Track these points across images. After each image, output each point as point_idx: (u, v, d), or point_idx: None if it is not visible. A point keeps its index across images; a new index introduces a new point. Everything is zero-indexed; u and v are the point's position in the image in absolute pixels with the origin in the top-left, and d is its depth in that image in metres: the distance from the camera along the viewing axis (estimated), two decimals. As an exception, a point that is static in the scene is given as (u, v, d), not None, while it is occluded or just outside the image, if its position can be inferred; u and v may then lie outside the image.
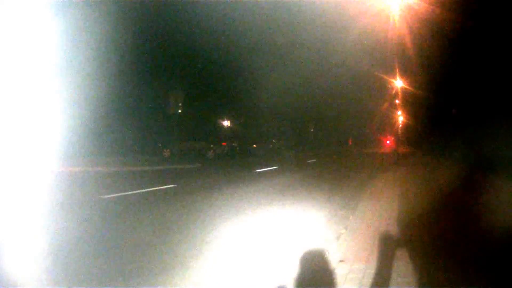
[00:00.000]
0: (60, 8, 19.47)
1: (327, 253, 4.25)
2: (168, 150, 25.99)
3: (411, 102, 30.50)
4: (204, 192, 9.68)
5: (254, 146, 33.26)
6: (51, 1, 17.89)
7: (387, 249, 4.34)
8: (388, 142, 60.99)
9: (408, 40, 16.29)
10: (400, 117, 45.34)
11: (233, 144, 28.93)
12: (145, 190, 9.87)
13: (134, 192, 9.52)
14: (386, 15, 13.97)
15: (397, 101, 38.71)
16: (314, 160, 25.69)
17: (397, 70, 26.63)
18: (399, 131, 48.90)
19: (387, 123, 56.28)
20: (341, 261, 3.96)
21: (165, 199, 8.62)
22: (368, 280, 3.49)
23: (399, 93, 31.70)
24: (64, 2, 20.20)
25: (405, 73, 25.83)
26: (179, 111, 21.53)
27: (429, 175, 13.39)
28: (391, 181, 11.81)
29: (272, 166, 18.50)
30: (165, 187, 10.67)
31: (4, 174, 11.61)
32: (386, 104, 43.34)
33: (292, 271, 3.72)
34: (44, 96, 17.29)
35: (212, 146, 26.59)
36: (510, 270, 3.67)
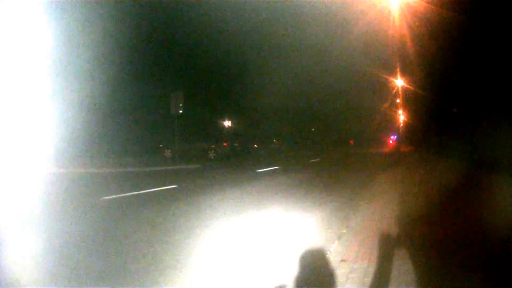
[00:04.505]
0: (61, 8, 19.51)
1: (328, 252, 4.25)
2: (169, 150, 25.97)
3: (412, 101, 30.47)
4: (205, 192, 9.67)
5: (256, 146, 33.25)
6: (51, 0, 17.92)
7: (388, 248, 4.33)
8: (389, 141, 60.90)
9: (408, 39, 16.29)
10: (401, 116, 45.32)
11: (234, 144, 28.89)
12: (146, 191, 9.87)
13: (135, 193, 9.53)
14: (387, 14, 13.98)
15: (398, 101, 38.70)
16: (316, 160, 25.67)
17: (398, 69, 26.66)
18: (400, 130, 48.88)
19: (388, 122, 56.25)
20: (342, 260, 3.96)
21: (166, 199, 8.61)
22: (370, 279, 3.48)
23: (400, 92, 31.71)
24: (65, 2, 20.25)
25: (406, 72, 25.84)
26: (180, 111, 21.49)
27: (430, 175, 13.35)
28: (392, 180, 11.79)
29: (274, 166, 18.49)
30: (166, 187, 10.67)
31: (5, 176, 11.63)
32: (387, 104, 43.32)
33: (293, 270, 3.72)
34: (44, 97, 17.33)
35: (213, 146, 26.55)
36: (511, 270, 3.65)
